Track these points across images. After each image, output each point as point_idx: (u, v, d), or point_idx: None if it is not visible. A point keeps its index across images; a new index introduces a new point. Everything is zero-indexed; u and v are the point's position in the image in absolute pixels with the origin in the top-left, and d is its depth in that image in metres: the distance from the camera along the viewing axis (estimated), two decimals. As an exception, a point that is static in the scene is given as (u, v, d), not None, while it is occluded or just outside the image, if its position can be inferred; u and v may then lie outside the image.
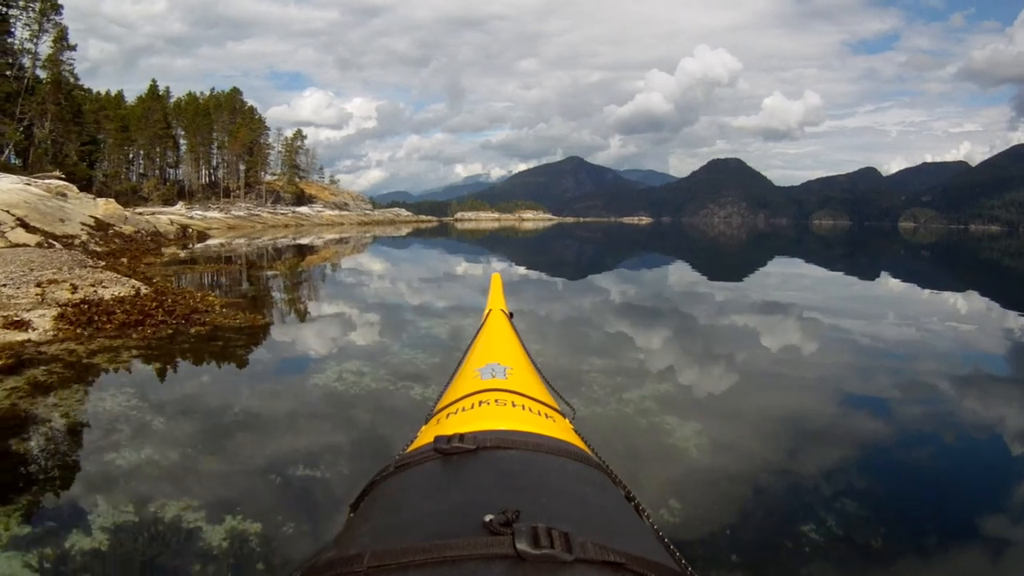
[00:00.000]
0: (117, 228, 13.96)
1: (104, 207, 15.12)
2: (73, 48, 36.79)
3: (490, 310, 1.94)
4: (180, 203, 43.53)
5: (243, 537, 2.58)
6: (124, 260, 10.75)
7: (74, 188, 16.63)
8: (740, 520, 2.89)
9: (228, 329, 6.44)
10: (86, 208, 14.32)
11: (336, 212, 63.78)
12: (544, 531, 0.60)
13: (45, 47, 35.24)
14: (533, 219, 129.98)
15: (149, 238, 16.08)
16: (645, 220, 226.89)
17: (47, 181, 15.83)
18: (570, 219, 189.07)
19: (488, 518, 0.63)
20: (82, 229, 11.69)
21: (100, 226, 12.48)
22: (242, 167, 56.45)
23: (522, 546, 0.58)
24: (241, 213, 47.84)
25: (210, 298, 7.37)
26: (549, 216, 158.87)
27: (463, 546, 0.59)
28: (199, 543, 2.53)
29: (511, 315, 1.96)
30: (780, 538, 2.75)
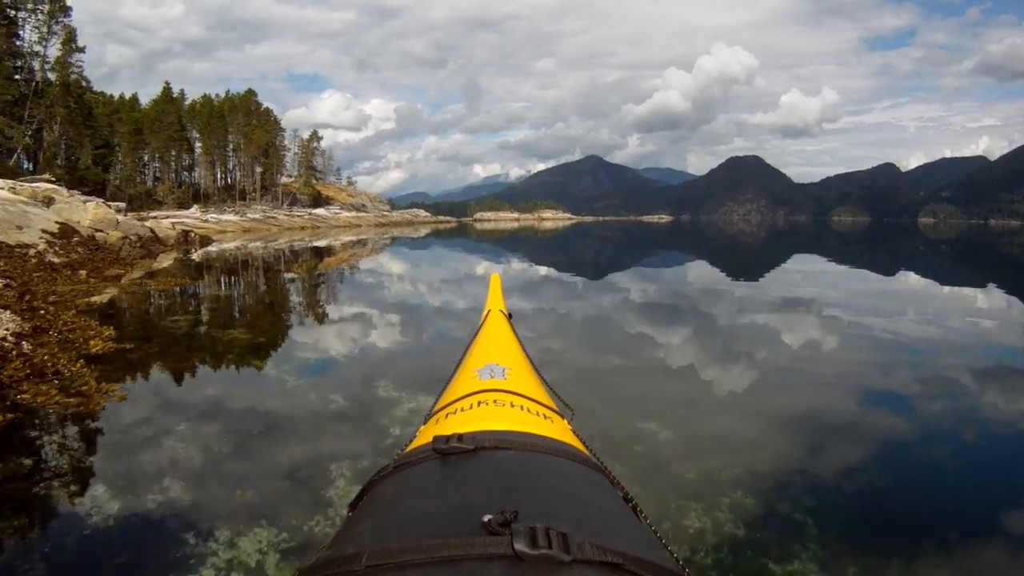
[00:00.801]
0: (100, 233, 12.60)
1: (93, 212, 13.91)
2: (82, 50, 36.12)
3: (489, 310, 1.90)
4: (195, 206, 42.79)
5: None
6: (83, 273, 9.44)
7: (63, 192, 15.48)
8: None
9: (42, 416, 3.87)
10: (73, 213, 13.09)
11: (353, 214, 62.81)
12: (542, 531, 0.60)
13: (54, 50, 34.66)
14: (552, 219, 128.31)
15: (140, 244, 14.93)
16: (665, 218, 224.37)
17: (34, 185, 14.77)
18: (589, 218, 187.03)
19: (486, 518, 0.64)
20: (41, 237, 10.38)
21: (64, 233, 11.17)
22: (258, 169, 55.79)
23: (520, 546, 0.58)
24: (257, 216, 46.97)
25: (95, 340, 5.44)
26: (568, 215, 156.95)
27: (461, 546, 0.59)
28: None
29: (510, 316, 1.92)
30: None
